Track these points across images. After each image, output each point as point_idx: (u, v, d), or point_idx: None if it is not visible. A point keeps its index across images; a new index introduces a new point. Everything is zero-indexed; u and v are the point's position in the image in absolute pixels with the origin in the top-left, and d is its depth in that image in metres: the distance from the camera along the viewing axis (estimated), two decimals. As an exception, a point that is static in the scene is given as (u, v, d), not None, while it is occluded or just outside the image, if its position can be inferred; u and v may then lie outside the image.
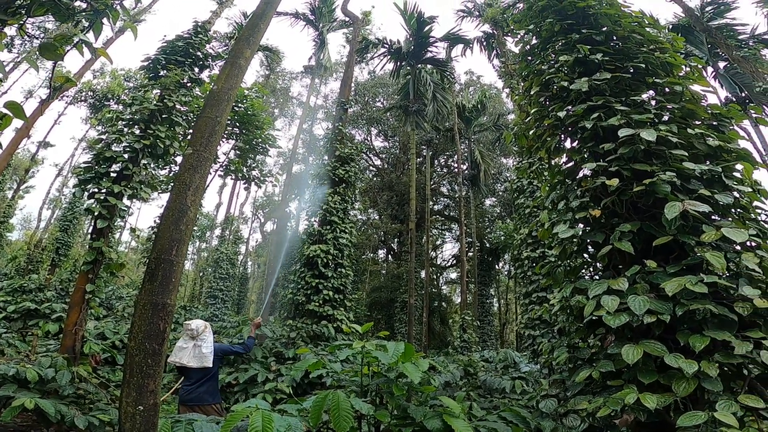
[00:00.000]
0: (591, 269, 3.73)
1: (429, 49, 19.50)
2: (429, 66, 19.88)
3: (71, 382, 4.90)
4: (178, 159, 8.39)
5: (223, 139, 12.28)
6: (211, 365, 4.38)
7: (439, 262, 33.97)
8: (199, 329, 4.52)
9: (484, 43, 19.34)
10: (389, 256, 31.21)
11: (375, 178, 29.59)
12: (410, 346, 3.13)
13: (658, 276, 2.83)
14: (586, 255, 3.71)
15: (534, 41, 4.77)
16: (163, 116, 7.49)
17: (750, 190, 3.10)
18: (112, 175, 6.92)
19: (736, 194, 3.04)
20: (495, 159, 27.92)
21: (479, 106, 23.82)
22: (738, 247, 2.87)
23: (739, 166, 3.19)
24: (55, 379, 4.79)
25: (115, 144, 7.04)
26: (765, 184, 3.28)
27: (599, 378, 2.84)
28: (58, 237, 19.94)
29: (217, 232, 31.33)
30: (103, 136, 7.20)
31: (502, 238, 23.46)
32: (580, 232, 3.51)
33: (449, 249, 36.68)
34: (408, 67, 19.90)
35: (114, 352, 7.76)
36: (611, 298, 2.79)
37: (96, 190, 6.71)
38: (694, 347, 2.46)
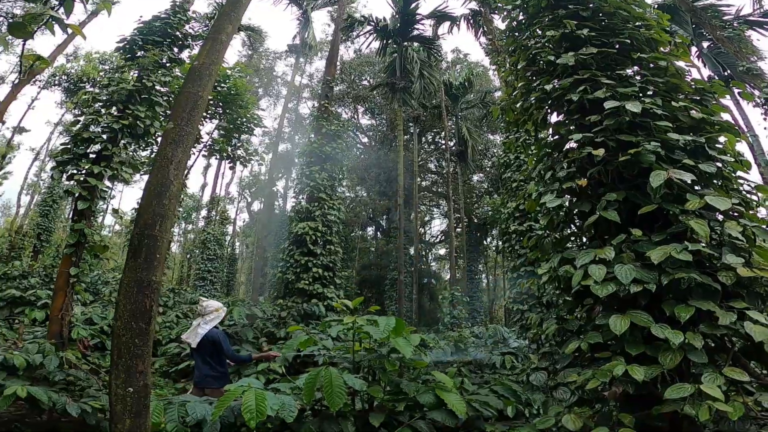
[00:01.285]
0: (578, 241, 3.77)
1: (415, 26, 19.13)
2: (416, 44, 19.54)
3: (60, 368, 4.85)
4: (160, 140, 8.18)
5: (207, 119, 11.94)
6: (195, 346, 4.36)
7: (427, 239, 34.20)
8: (207, 308, 4.49)
9: (471, 21, 18.99)
10: (378, 233, 31.28)
11: (362, 156, 29.35)
12: (401, 321, 3.14)
13: (644, 245, 2.85)
14: (573, 226, 3.74)
15: (521, 17, 4.70)
16: (142, 96, 7.25)
17: (733, 160, 3.13)
18: (91, 156, 6.73)
19: (719, 164, 3.05)
20: (482, 135, 27.83)
21: (466, 83, 23.55)
22: (720, 216, 2.91)
23: (722, 138, 3.20)
24: (44, 365, 4.74)
25: (92, 125, 6.82)
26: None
27: (587, 350, 2.86)
28: (39, 222, 19.47)
29: (204, 213, 30.96)
30: (80, 118, 6.97)
31: (490, 213, 23.62)
32: (567, 203, 3.53)
33: (437, 225, 36.93)
34: (394, 45, 19.52)
35: (103, 337, 7.69)
36: (598, 267, 2.80)
37: (75, 171, 6.53)
38: (680, 317, 2.44)
